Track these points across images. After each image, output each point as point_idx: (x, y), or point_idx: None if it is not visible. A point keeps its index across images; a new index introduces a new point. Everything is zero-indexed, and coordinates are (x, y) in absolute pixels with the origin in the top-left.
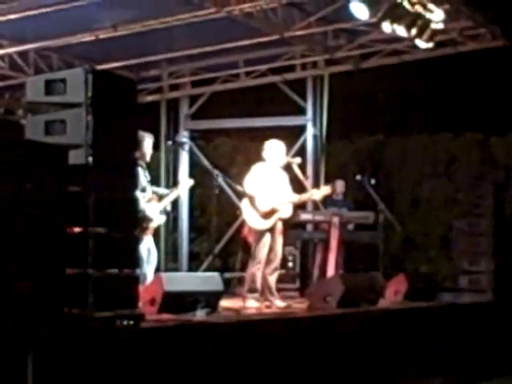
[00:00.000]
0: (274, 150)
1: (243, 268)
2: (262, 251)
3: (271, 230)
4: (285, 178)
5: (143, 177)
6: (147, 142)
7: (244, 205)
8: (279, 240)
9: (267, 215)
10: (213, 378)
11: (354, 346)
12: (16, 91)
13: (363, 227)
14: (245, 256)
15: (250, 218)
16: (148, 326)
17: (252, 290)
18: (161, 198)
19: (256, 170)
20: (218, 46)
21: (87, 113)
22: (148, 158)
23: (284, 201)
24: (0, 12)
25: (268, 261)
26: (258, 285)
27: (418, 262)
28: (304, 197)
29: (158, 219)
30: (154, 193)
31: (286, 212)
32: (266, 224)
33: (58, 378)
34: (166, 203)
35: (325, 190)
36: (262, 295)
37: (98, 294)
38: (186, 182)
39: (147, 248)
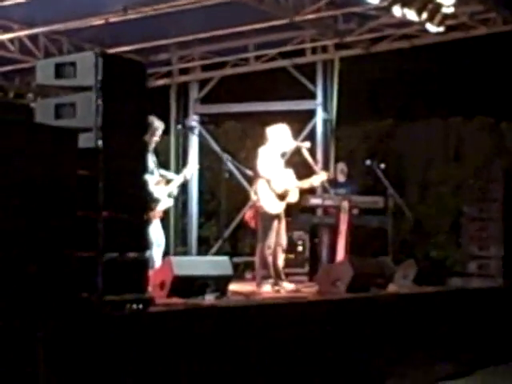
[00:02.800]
0: (278, 135)
1: (252, 252)
2: (272, 236)
3: (279, 213)
4: (282, 163)
5: (151, 161)
6: (155, 126)
7: (260, 187)
8: (283, 223)
9: (280, 198)
10: (222, 361)
11: (363, 330)
12: (26, 75)
13: (373, 212)
14: (254, 240)
15: (267, 201)
16: (157, 310)
17: (266, 276)
18: (168, 181)
19: (264, 153)
20: (228, 29)
21: (97, 96)
22: (154, 143)
23: (292, 185)
24: None
25: (276, 245)
26: (271, 269)
27: (427, 247)
28: (303, 183)
29: (165, 202)
30: (161, 176)
31: (294, 196)
32: (279, 207)
33: (68, 361)
34: (174, 186)
35: (322, 175)
36: (275, 279)
37: (107, 278)
38: (193, 165)
39: (156, 232)
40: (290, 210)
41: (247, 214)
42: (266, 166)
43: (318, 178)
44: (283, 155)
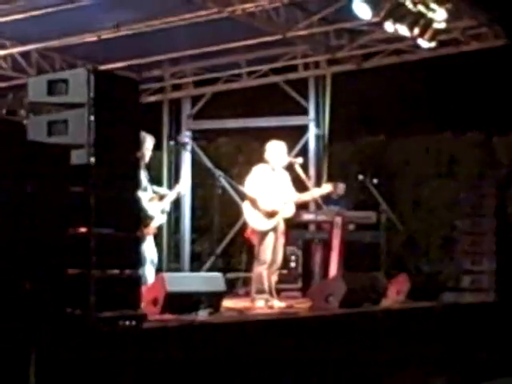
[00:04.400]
0: (276, 151)
1: (247, 269)
2: (267, 252)
3: (274, 230)
4: (286, 177)
5: (144, 177)
6: (148, 142)
7: (245, 207)
8: (281, 240)
9: (270, 215)
10: (215, 378)
11: (356, 345)
12: (18, 91)
13: (365, 227)
14: (249, 257)
15: (252, 219)
16: (150, 327)
17: (260, 291)
18: (161, 197)
19: (257, 171)
20: (220, 46)
21: (89, 113)
22: (147, 159)
23: (286, 200)
24: (2, 12)
25: (271, 261)
26: (266, 285)
27: (420, 261)
28: (305, 196)
29: (159, 219)
30: (154, 192)
31: (289, 211)
32: (268, 224)
33: (60, 378)
34: (167, 203)
35: (326, 188)
36: (270, 295)
37: (100, 295)
38: (185, 181)
39: (149, 248)
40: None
41: (248, 230)
42: (253, 184)
43: (322, 190)
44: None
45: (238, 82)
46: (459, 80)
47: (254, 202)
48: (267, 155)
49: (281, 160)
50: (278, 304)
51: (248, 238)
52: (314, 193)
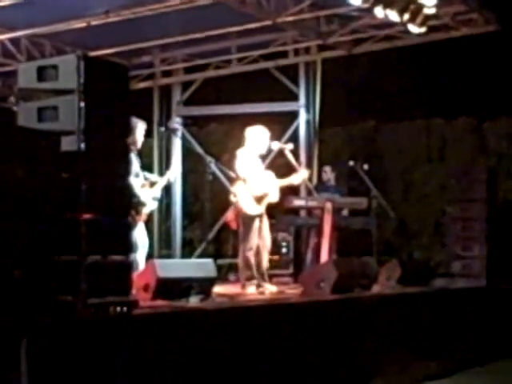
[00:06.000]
0: (257, 137)
1: (235, 254)
2: (253, 237)
3: (260, 215)
4: (261, 164)
5: (136, 163)
6: (140, 128)
7: (238, 189)
8: (266, 224)
9: (259, 200)
10: (207, 364)
11: (347, 331)
12: (8, 78)
13: (356, 213)
14: (237, 242)
15: (245, 203)
16: (141, 313)
17: (250, 277)
18: (153, 184)
19: (242, 155)
20: (210, 32)
21: (79, 99)
22: (140, 145)
23: (271, 185)
24: None
25: (258, 246)
26: (254, 271)
27: (411, 247)
28: (284, 182)
29: (150, 205)
30: (145, 179)
31: (274, 197)
32: (258, 209)
33: (51, 365)
34: (158, 189)
35: (303, 173)
36: (259, 281)
37: (90, 281)
38: (176, 168)
39: (140, 234)
40: (273, 211)
41: (228, 215)
42: (244, 167)
43: (299, 176)
44: (262, 157)
45: (228, 68)
46: (450, 65)
47: (246, 185)
48: (248, 140)
49: (264, 145)
50: (270, 288)
51: (228, 223)
52: (292, 179)
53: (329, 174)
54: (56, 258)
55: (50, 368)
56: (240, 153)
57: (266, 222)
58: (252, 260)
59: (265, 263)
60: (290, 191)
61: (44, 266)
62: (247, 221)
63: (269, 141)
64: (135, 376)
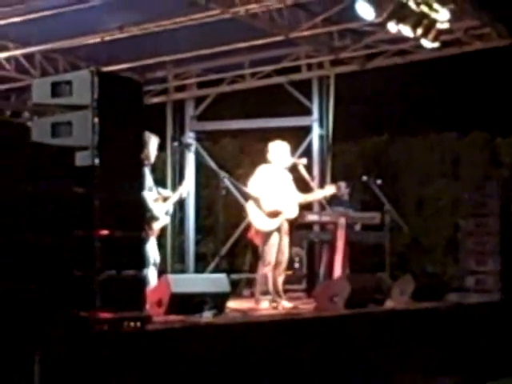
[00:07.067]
0: (279, 152)
1: (251, 270)
2: (271, 252)
3: (278, 230)
4: (289, 178)
5: (149, 177)
6: (153, 142)
7: (249, 206)
8: (286, 240)
9: (273, 216)
10: (220, 379)
11: (361, 346)
12: (22, 93)
13: (369, 228)
14: (253, 258)
15: (256, 219)
16: (155, 328)
17: (264, 292)
18: (165, 198)
19: (260, 171)
20: (224, 47)
21: (93, 115)
22: (153, 159)
23: (289, 201)
24: (6, 14)
25: (276, 262)
26: (270, 286)
27: (424, 262)
28: (309, 197)
29: (163, 220)
30: (158, 193)
31: (292, 212)
32: (272, 225)
33: (65, 379)
34: (170, 204)
35: (329, 189)
36: (274, 296)
37: (104, 296)
38: (188, 182)
39: (152, 250)
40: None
41: (251, 231)
42: (257, 184)
43: (325, 192)
44: (289, 169)
45: (241, 83)
46: (463, 80)
47: (257, 202)
48: (270, 156)
49: (284, 160)
50: (286, 305)
51: (251, 239)
52: (318, 194)
53: (343, 189)
54: (70, 273)
55: (64, 382)
56: (258, 170)
57: (285, 238)
58: (269, 275)
59: (280, 280)
60: (303, 206)
61: (58, 280)
62: (265, 236)
63: (289, 156)
64: None
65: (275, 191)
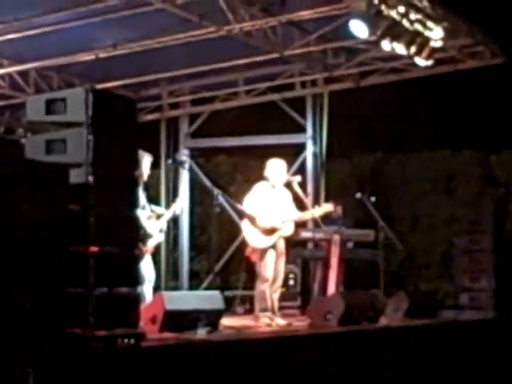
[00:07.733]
0: (276, 169)
1: (246, 287)
2: (268, 269)
3: (274, 247)
4: (287, 196)
5: (142, 195)
6: (145, 160)
7: (244, 224)
8: (282, 258)
9: (268, 233)
10: None
11: (354, 363)
12: (16, 110)
13: (363, 245)
14: (248, 275)
15: (251, 236)
16: (149, 345)
17: (263, 309)
18: (159, 216)
19: (257, 189)
20: (218, 64)
21: (88, 132)
22: (146, 177)
23: (285, 219)
24: (0, 31)
25: (273, 279)
26: (269, 303)
27: (418, 279)
28: (306, 215)
29: (157, 237)
30: (152, 211)
31: (288, 230)
32: (267, 242)
33: None
34: (164, 222)
35: (326, 207)
36: (272, 313)
37: (98, 313)
38: (182, 200)
39: (147, 267)
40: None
41: (248, 248)
42: (252, 202)
43: (322, 209)
44: (287, 186)
45: (235, 101)
46: (457, 98)
47: (252, 220)
48: (267, 173)
49: (281, 178)
50: (280, 322)
51: (248, 257)
52: (315, 212)
53: (340, 211)
54: (64, 290)
55: None
56: (255, 187)
57: (281, 255)
58: (267, 292)
59: (275, 297)
60: (297, 223)
61: (52, 297)
62: (261, 253)
63: (285, 174)
64: None
65: (271, 208)
